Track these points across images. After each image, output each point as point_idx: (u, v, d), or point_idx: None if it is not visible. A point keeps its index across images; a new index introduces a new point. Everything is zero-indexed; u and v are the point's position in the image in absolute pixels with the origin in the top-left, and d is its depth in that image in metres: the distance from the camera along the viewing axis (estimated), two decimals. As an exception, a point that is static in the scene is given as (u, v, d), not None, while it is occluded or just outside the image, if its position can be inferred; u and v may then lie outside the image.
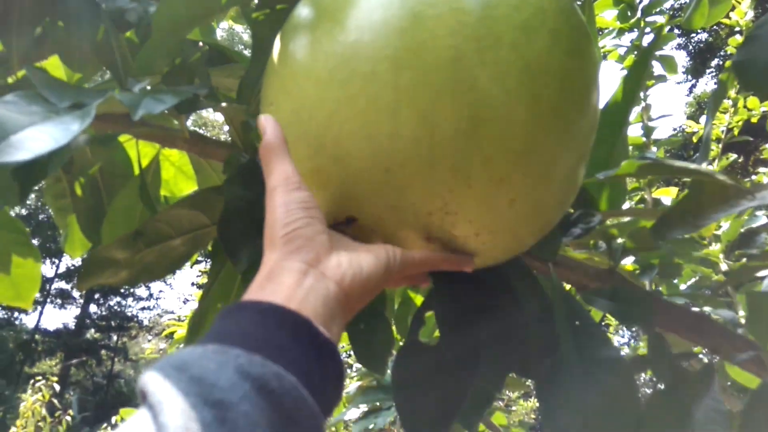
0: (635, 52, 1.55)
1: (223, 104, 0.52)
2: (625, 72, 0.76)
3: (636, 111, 1.66)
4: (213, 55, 0.68)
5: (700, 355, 0.62)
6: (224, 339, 0.28)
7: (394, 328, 0.72)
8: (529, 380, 0.50)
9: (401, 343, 0.54)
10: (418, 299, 0.84)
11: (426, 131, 0.37)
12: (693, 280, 1.52)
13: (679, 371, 0.52)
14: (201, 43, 0.68)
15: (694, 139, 1.83)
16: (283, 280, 0.33)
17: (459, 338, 0.49)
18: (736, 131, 1.66)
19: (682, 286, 1.52)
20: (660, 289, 1.37)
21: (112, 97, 0.40)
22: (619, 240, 0.74)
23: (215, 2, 0.56)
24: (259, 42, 0.56)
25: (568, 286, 0.75)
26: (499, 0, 0.39)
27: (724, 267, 1.56)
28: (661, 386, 0.51)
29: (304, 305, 0.32)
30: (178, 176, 0.78)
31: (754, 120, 1.68)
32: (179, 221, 0.49)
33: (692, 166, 0.56)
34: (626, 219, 0.89)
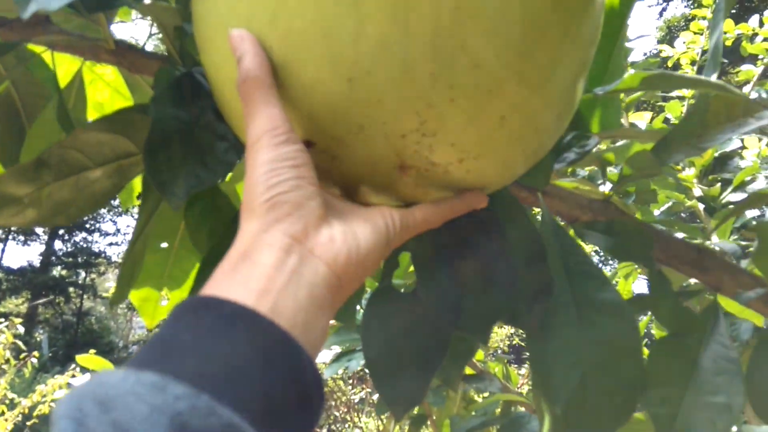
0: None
1: (148, 1, 0.42)
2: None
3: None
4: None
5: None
6: (171, 354, 0.22)
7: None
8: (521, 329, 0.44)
9: (370, 289, 0.48)
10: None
11: (397, 28, 0.29)
12: (667, 206, 1.52)
13: (682, 314, 0.47)
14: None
15: (669, 64, 1.81)
16: (260, 260, 0.26)
17: (438, 282, 0.43)
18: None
19: (656, 212, 1.51)
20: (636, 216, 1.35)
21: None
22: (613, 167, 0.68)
23: None
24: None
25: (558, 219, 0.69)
26: None
27: (697, 192, 1.55)
28: (664, 332, 0.46)
29: (283, 299, 0.25)
30: (115, 97, 0.69)
31: (728, 43, 1.67)
32: (97, 148, 0.41)
33: (702, 77, 0.50)
34: (621, 142, 0.83)
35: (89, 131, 0.41)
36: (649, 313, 0.66)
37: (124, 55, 0.49)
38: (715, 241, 0.61)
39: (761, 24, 1.59)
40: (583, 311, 0.44)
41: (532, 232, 0.48)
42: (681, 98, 1.54)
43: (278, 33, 0.31)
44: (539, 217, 0.62)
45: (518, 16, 0.30)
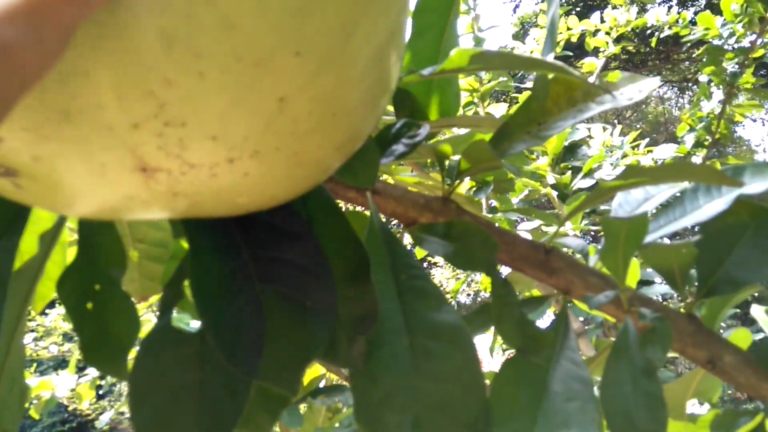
0: None
1: None
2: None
3: (466, 21, 1.65)
4: None
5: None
6: None
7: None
8: (341, 367, 0.37)
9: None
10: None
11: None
12: (524, 194, 1.58)
13: (527, 327, 0.42)
14: None
15: None
16: None
17: (230, 315, 0.34)
18: (559, 49, 1.77)
19: (514, 200, 1.56)
20: (495, 204, 1.37)
21: None
22: (454, 158, 0.63)
23: None
24: None
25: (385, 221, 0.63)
26: None
27: (551, 180, 1.61)
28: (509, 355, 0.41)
29: None
30: None
31: (574, 38, 1.81)
32: None
33: (539, 58, 0.46)
34: (461, 132, 0.80)
35: None
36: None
37: None
38: (564, 239, 0.58)
39: (602, 20, 1.70)
40: (416, 338, 0.37)
41: (354, 243, 0.40)
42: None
43: None
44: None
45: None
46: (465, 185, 1.09)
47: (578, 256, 0.60)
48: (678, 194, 0.56)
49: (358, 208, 0.67)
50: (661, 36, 1.99)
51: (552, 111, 0.54)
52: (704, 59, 1.72)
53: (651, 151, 1.79)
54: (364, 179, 0.46)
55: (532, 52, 1.84)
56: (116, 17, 0.21)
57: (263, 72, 0.24)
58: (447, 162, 0.57)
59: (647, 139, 1.88)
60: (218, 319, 0.34)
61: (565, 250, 0.59)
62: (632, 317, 0.47)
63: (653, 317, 0.45)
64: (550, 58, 0.50)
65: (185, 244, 0.67)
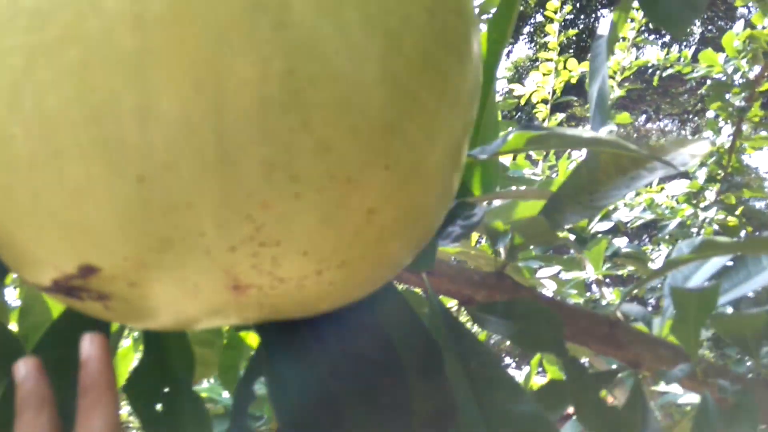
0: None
1: None
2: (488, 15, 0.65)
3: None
4: None
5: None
6: None
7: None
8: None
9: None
10: (250, 339, 0.66)
11: (206, 103, 0.21)
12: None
13: (607, 413, 0.41)
14: None
15: (522, 101, 2.01)
16: None
17: (306, 423, 0.34)
18: (559, 92, 1.84)
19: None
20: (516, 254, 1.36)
21: None
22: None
23: None
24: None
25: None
26: None
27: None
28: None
29: None
30: None
31: (573, 80, 1.84)
32: None
33: (595, 135, 0.46)
34: (500, 202, 0.80)
35: None
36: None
37: None
38: (624, 307, 0.57)
39: None
40: (494, 430, 0.37)
41: (422, 332, 0.40)
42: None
43: (24, 115, 0.22)
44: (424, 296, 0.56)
45: (378, 78, 0.23)
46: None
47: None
48: (738, 255, 0.55)
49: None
50: (663, 75, 2.03)
51: (602, 180, 0.54)
52: (709, 94, 1.74)
53: (663, 188, 1.79)
54: (424, 264, 0.46)
55: (531, 95, 1.87)
56: (220, 150, 0.21)
57: (354, 187, 0.24)
58: (499, 238, 0.57)
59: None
60: (297, 422, 0.34)
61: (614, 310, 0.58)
62: (710, 390, 0.46)
63: (734, 390, 0.43)
64: (603, 132, 0.51)
65: (244, 335, 0.68)
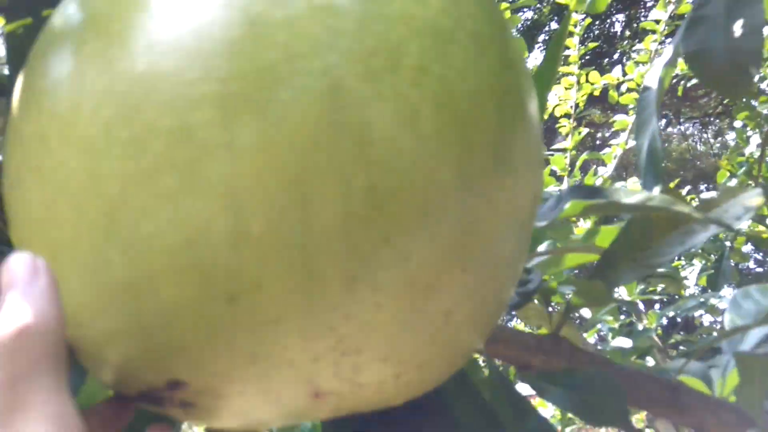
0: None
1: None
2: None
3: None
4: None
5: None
6: None
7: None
8: None
9: None
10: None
11: (294, 223, 0.22)
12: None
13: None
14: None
15: (545, 116, 1.98)
16: None
17: None
18: (581, 105, 1.79)
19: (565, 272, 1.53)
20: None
21: None
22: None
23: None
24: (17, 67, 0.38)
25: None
26: None
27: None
28: None
29: None
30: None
31: (596, 93, 1.80)
32: None
33: (648, 202, 0.46)
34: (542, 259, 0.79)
35: None
36: None
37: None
38: (688, 369, 0.56)
39: (624, 73, 1.72)
40: None
41: (487, 411, 0.40)
42: (563, 150, 1.62)
43: (121, 242, 0.23)
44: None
45: (454, 185, 0.24)
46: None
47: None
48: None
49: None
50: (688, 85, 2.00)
51: (655, 235, 0.53)
52: (736, 103, 1.73)
53: (694, 199, 1.76)
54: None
55: (553, 109, 1.83)
56: (307, 267, 0.22)
57: (432, 293, 0.25)
58: (552, 300, 0.57)
59: (688, 187, 1.84)
60: None
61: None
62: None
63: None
64: (656, 191, 0.51)
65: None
